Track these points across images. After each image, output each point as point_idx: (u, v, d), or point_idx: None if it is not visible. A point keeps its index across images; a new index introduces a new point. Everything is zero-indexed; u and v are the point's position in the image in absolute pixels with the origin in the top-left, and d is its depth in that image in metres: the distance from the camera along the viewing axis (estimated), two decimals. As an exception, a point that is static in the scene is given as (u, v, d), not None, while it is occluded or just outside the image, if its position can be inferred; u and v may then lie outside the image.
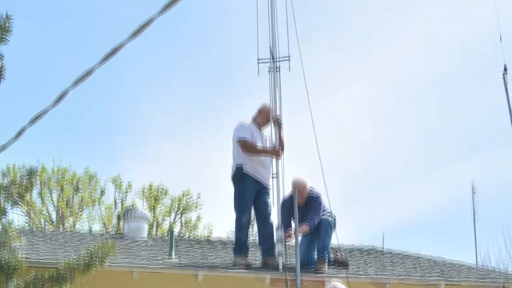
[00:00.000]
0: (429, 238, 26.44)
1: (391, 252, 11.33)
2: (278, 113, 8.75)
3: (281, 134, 8.74)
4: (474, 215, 11.62)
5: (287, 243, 8.59)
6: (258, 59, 8.69)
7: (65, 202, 24.06)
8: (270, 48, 8.75)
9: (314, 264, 8.82)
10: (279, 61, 8.71)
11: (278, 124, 8.72)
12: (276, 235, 8.48)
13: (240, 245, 8.81)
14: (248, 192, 8.74)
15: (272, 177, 8.68)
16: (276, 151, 8.59)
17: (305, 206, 8.91)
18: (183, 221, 26.03)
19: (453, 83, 25.70)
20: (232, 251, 9.05)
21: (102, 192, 25.37)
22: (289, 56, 8.63)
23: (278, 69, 8.68)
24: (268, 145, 8.88)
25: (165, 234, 23.60)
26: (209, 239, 13.56)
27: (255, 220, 9.37)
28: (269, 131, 8.90)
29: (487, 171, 23.65)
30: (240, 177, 8.70)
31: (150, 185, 25.60)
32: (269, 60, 8.66)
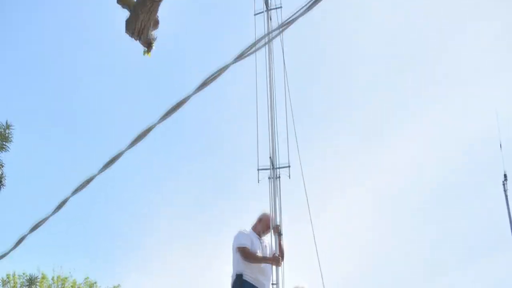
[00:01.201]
0: None
1: None
2: (278, 221, 8.76)
3: (281, 242, 8.71)
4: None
5: None
6: (258, 168, 8.77)
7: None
8: (270, 157, 8.83)
9: None
10: (279, 168, 8.77)
11: (278, 232, 8.71)
12: None
13: None
14: (248, 300, 8.64)
15: (272, 285, 8.60)
16: (276, 259, 8.55)
17: (306, 314, 8.81)
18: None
19: (453, 189, 25.75)
20: None
21: (103, 300, 25.14)
22: (289, 165, 8.71)
23: (278, 176, 8.74)
24: (268, 253, 8.83)
25: None
26: None
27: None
28: (269, 239, 8.87)
29: (487, 278, 23.35)
30: (240, 285, 8.61)
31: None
32: (269, 168, 8.73)
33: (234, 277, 8.71)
